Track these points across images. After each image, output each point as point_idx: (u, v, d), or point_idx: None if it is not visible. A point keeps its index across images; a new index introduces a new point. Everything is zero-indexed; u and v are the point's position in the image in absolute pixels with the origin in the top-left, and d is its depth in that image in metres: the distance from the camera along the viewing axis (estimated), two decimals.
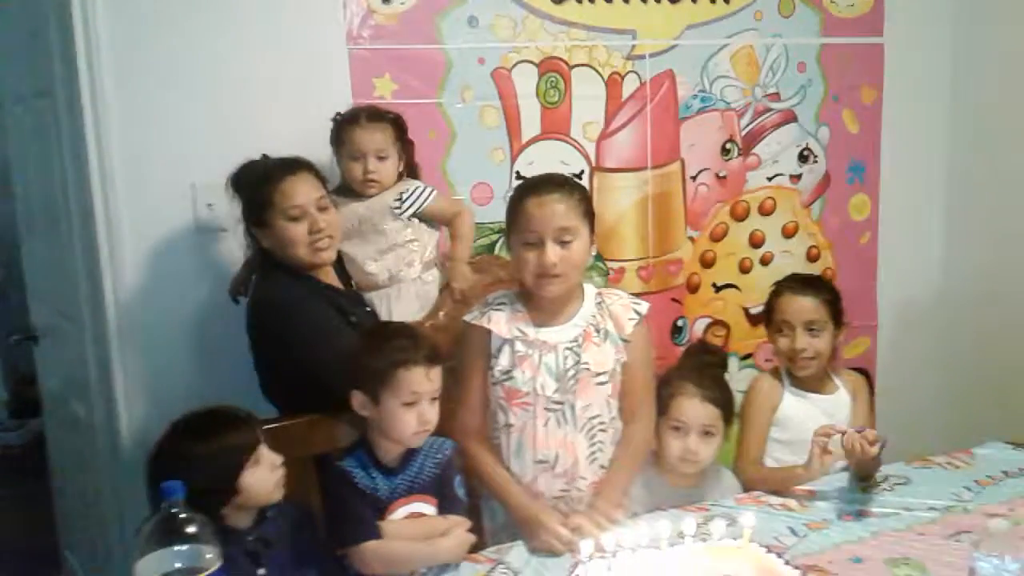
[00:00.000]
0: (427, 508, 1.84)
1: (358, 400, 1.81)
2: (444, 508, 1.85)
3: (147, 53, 2.31)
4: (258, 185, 2.13)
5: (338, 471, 1.79)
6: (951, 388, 3.40)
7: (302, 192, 2.12)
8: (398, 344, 1.80)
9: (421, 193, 2.38)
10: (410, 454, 1.84)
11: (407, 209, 2.35)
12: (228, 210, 2.29)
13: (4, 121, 3.09)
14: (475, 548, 1.88)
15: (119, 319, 2.33)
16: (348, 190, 2.36)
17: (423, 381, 1.78)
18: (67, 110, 2.37)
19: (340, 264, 2.33)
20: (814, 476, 2.07)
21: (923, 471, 2.21)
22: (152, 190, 2.34)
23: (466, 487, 1.91)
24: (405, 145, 2.40)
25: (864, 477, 2.08)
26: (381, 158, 2.32)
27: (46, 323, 2.95)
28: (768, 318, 2.42)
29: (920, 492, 2.08)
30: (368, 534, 1.74)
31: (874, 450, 2.01)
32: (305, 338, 2.06)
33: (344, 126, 2.33)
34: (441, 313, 2.31)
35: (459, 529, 1.81)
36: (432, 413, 1.80)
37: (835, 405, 2.33)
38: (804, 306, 2.32)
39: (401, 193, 2.36)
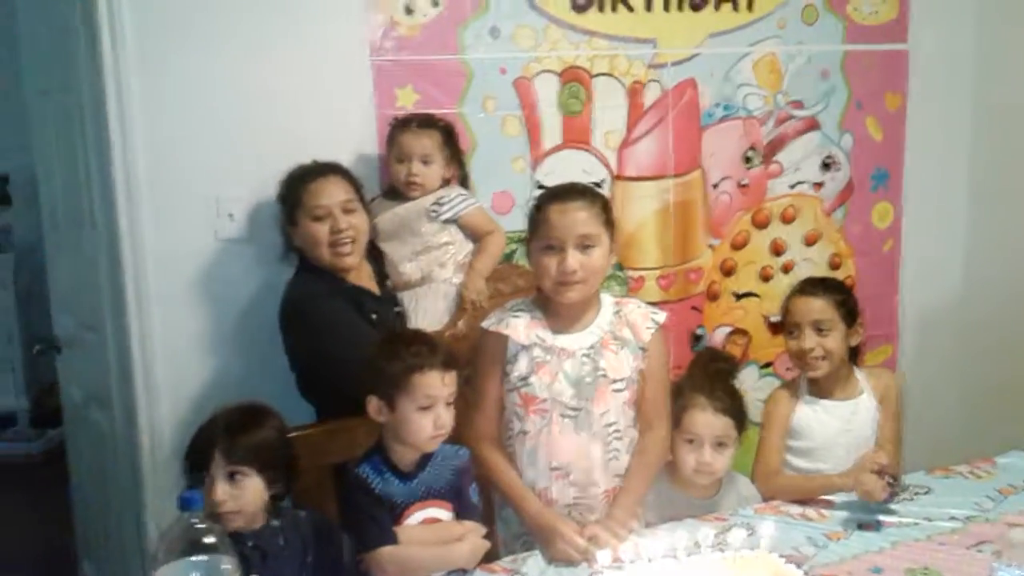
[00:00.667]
0: (443, 514, 1.84)
1: (374, 405, 1.82)
2: (460, 514, 1.85)
3: (172, 64, 2.33)
4: (291, 185, 2.26)
5: (354, 476, 1.80)
6: (973, 396, 3.37)
7: (328, 193, 2.22)
8: (414, 349, 1.81)
9: (462, 201, 2.44)
10: (425, 459, 1.84)
11: (444, 213, 2.40)
12: (249, 221, 2.33)
13: (30, 118, 3.09)
14: (489, 558, 1.87)
15: (141, 329, 2.35)
16: (395, 193, 2.44)
17: (438, 385, 1.79)
18: (92, 110, 2.38)
19: (380, 265, 2.40)
20: (846, 488, 2.07)
21: (944, 481, 2.19)
22: (176, 199, 2.36)
23: (480, 494, 1.92)
24: (454, 153, 2.47)
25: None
26: (426, 162, 2.39)
27: (69, 333, 2.96)
28: (783, 324, 2.40)
29: (941, 502, 2.05)
30: (384, 539, 1.75)
31: (879, 493, 2.00)
32: (320, 333, 2.13)
33: (396, 130, 2.43)
34: (460, 322, 2.32)
35: (474, 535, 1.82)
36: (448, 417, 1.81)
37: (853, 411, 2.30)
38: (811, 306, 2.30)
39: (440, 197, 2.41)
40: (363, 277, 2.33)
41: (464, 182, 2.52)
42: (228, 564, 1.36)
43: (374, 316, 2.24)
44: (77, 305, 2.82)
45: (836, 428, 2.27)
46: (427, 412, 1.78)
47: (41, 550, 3.63)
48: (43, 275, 3.28)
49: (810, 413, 2.30)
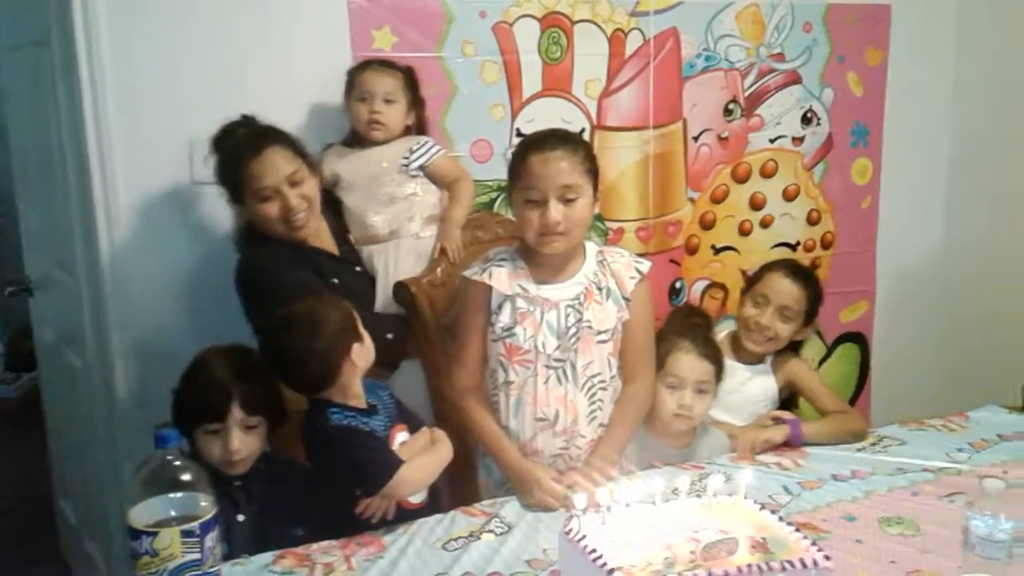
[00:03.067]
0: (405, 435, 1.88)
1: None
2: (413, 428, 1.89)
3: (143, 7, 2.27)
4: (230, 166, 2.13)
5: (340, 427, 1.78)
6: (948, 354, 3.41)
7: (270, 172, 2.08)
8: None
9: (430, 148, 2.39)
10: (371, 395, 1.87)
11: (414, 161, 2.35)
12: None
13: (0, 71, 3.06)
14: (469, 502, 1.89)
15: (114, 270, 2.32)
16: (356, 140, 2.37)
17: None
18: (62, 58, 2.34)
19: (338, 219, 2.33)
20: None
21: (918, 433, 2.22)
22: (148, 141, 2.31)
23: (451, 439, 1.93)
24: (416, 99, 2.41)
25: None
26: (388, 101, 2.33)
27: (41, 274, 2.93)
28: (748, 287, 2.42)
29: (915, 453, 2.08)
30: (397, 461, 1.77)
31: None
32: (275, 304, 2.00)
33: (355, 71, 2.37)
34: (438, 270, 2.29)
35: (439, 432, 1.88)
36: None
37: (748, 377, 2.34)
38: (788, 290, 2.32)
39: (411, 147, 2.36)
40: (321, 238, 2.24)
41: (422, 131, 2.45)
42: (205, 501, 1.35)
43: (335, 280, 2.17)
44: (49, 246, 2.78)
45: (728, 386, 2.27)
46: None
47: (18, 492, 3.63)
48: (12, 216, 3.23)
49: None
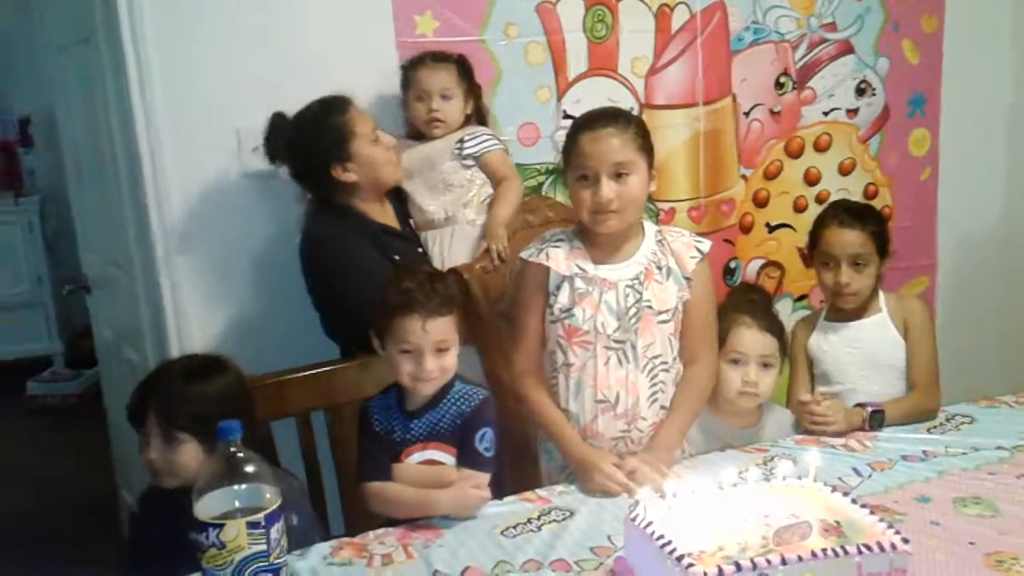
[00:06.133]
0: (444, 457, 1.77)
1: (375, 342, 1.80)
2: (462, 460, 1.76)
3: (187, 2, 2.27)
4: (332, 122, 2.17)
5: (361, 411, 1.80)
6: (1012, 327, 3.32)
7: (366, 119, 2.22)
8: (403, 288, 1.73)
9: (486, 140, 2.39)
10: (436, 400, 1.78)
11: (468, 149, 2.36)
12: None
13: (50, 71, 3.09)
14: (530, 487, 1.86)
15: (169, 265, 2.34)
16: (416, 135, 2.40)
17: (418, 333, 1.71)
18: (110, 56, 2.36)
19: (402, 203, 2.37)
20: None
21: (990, 410, 2.15)
22: (197, 135, 2.32)
23: (499, 438, 1.81)
24: (472, 87, 2.42)
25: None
26: (445, 97, 2.35)
27: (98, 273, 2.97)
28: (812, 248, 2.34)
29: (988, 431, 2.02)
30: (374, 474, 1.74)
31: (824, 428, 2.03)
32: (343, 274, 2.11)
33: (410, 68, 2.38)
34: (478, 266, 2.28)
35: (465, 484, 1.72)
36: (436, 363, 1.72)
37: (860, 330, 2.25)
38: (850, 239, 2.23)
39: (464, 136, 2.37)
40: (386, 216, 2.30)
41: (482, 119, 2.47)
42: (269, 492, 1.35)
43: (396, 257, 2.20)
44: (104, 244, 2.82)
45: (842, 348, 2.24)
46: (408, 356, 1.72)
47: (82, 488, 3.69)
48: (69, 216, 3.28)
49: (820, 337, 2.29)
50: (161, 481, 1.71)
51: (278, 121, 2.20)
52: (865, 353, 2.23)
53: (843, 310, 2.27)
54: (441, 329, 1.73)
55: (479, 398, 1.80)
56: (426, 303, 1.72)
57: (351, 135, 2.17)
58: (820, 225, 2.32)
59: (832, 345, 2.26)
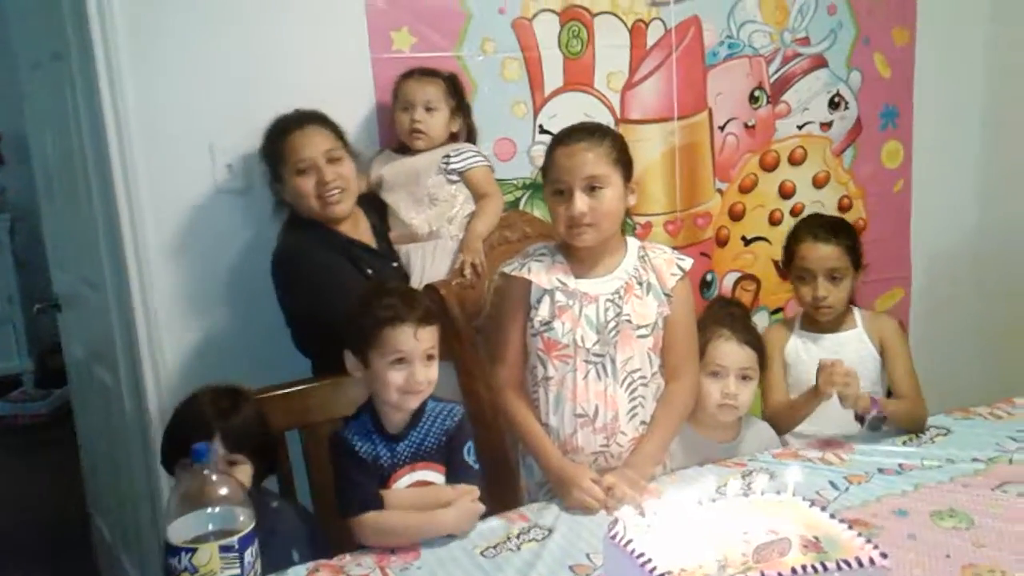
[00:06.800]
0: (434, 476, 1.76)
1: (350, 361, 1.76)
2: (452, 476, 1.76)
3: (159, 12, 2.25)
4: (271, 140, 2.21)
5: (338, 439, 1.73)
6: (986, 337, 3.34)
7: (310, 145, 2.16)
8: (387, 302, 1.73)
9: (472, 156, 2.40)
10: (416, 419, 1.76)
11: (453, 164, 2.36)
12: (246, 170, 2.28)
13: (21, 87, 3.06)
14: (511, 504, 1.85)
15: (142, 284, 2.30)
16: (402, 147, 2.40)
17: (410, 340, 1.70)
18: (82, 73, 2.33)
19: (382, 218, 2.36)
20: (820, 399, 2.08)
21: (965, 422, 2.16)
22: (170, 153, 2.29)
23: (478, 454, 1.81)
24: (461, 106, 2.42)
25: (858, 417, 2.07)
26: (429, 110, 2.35)
27: (69, 291, 2.93)
28: (788, 261, 2.36)
29: (963, 443, 2.03)
30: (366, 504, 1.67)
31: (844, 388, 2.01)
32: (313, 287, 2.09)
33: (400, 81, 2.39)
34: (455, 282, 2.27)
35: (465, 499, 1.72)
36: (425, 374, 1.72)
37: (839, 343, 2.28)
38: (826, 254, 2.25)
39: (450, 152, 2.37)
40: (359, 230, 2.28)
41: (471, 139, 2.47)
42: (243, 515, 1.33)
43: (370, 271, 2.19)
44: (75, 263, 2.79)
45: (820, 358, 2.21)
46: (398, 368, 1.70)
47: (52, 510, 3.64)
48: (40, 234, 3.24)
49: (799, 345, 2.31)
50: (236, 500, 1.70)
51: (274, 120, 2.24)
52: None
53: (818, 321, 2.29)
54: (430, 337, 1.74)
55: (459, 413, 1.81)
56: (415, 312, 1.72)
57: (280, 160, 2.18)
58: (795, 240, 2.34)
59: (811, 354, 2.27)
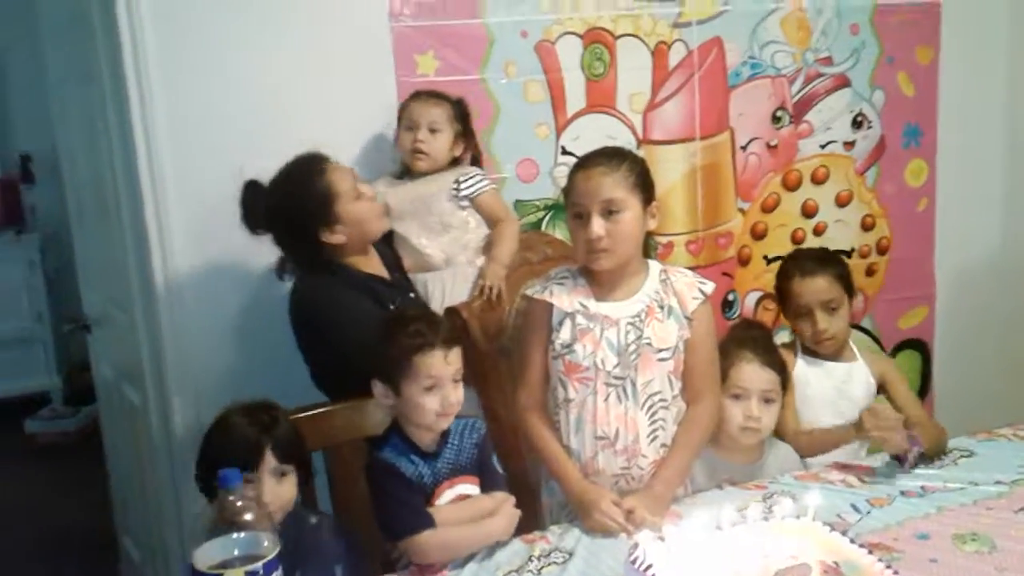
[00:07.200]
0: (471, 489, 1.80)
1: (379, 390, 1.78)
2: (487, 486, 1.81)
3: (190, 37, 2.30)
4: (314, 185, 2.11)
5: (380, 462, 1.74)
6: (1012, 357, 3.31)
7: (345, 174, 2.16)
8: (413, 329, 1.75)
9: (480, 181, 2.39)
10: (445, 437, 1.79)
11: (463, 190, 2.36)
12: None
13: (52, 107, 3.11)
14: (532, 526, 1.86)
15: (171, 306, 2.34)
16: (405, 171, 2.40)
17: (441, 364, 1.73)
18: (113, 94, 2.37)
19: (391, 248, 2.34)
20: (865, 438, 2.06)
21: (988, 444, 2.14)
22: (200, 175, 2.33)
23: (504, 463, 1.88)
24: (466, 129, 2.43)
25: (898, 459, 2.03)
26: (433, 131, 2.35)
27: (98, 312, 2.97)
28: (781, 298, 2.38)
29: (986, 465, 2.01)
30: (422, 523, 1.69)
31: (890, 434, 1.98)
32: (340, 331, 2.06)
33: (406, 101, 2.40)
34: (476, 304, 2.28)
35: (507, 506, 1.78)
36: (456, 395, 1.75)
37: (848, 373, 2.30)
38: (819, 287, 2.28)
39: (459, 177, 2.37)
40: (372, 264, 2.25)
41: (476, 163, 2.47)
42: (268, 540, 1.35)
43: (391, 306, 2.16)
44: (105, 284, 2.82)
45: (832, 388, 2.26)
46: (432, 392, 1.73)
47: (80, 527, 3.66)
48: (71, 253, 3.29)
49: (808, 371, 2.30)
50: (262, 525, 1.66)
51: (253, 191, 2.13)
52: (848, 396, 2.27)
53: (822, 351, 2.31)
54: (457, 358, 1.78)
55: (481, 424, 1.87)
56: (441, 335, 1.75)
57: (335, 196, 2.10)
58: (785, 278, 2.37)
59: (820, 382, 2.29)
